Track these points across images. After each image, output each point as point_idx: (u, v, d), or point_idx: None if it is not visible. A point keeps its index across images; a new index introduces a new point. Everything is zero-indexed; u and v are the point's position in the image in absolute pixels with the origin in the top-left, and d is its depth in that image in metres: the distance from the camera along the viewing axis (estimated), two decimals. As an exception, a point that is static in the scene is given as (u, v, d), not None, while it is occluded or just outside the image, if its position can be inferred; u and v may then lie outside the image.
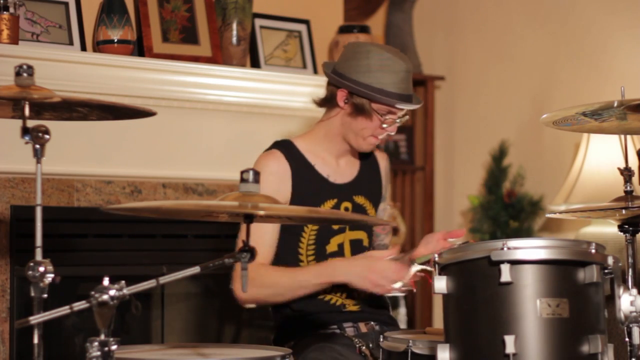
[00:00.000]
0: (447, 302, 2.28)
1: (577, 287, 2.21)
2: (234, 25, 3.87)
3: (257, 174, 2.07)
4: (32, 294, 2.07)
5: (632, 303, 2.29)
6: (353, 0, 5.02)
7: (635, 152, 2.63)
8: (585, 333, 2.18)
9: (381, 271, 2.74)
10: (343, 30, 4.28)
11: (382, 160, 3.13)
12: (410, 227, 5.10)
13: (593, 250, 2.24)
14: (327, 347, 2.76)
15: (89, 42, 3.62)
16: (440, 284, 2.26)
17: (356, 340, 2.82)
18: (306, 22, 4.17)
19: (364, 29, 4.31)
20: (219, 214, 2.12)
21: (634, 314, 2.28)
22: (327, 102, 2.96)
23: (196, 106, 3.79)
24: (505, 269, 2.16)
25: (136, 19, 3.72)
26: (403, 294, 2.78)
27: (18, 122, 2.13)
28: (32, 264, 2.07)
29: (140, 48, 3.70)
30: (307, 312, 2.88)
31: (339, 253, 2.94)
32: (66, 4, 3.55)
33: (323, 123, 3.00)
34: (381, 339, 2.63)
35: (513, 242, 2.19)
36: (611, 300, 2.29)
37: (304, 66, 4.12)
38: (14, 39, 3.32)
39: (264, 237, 2.84)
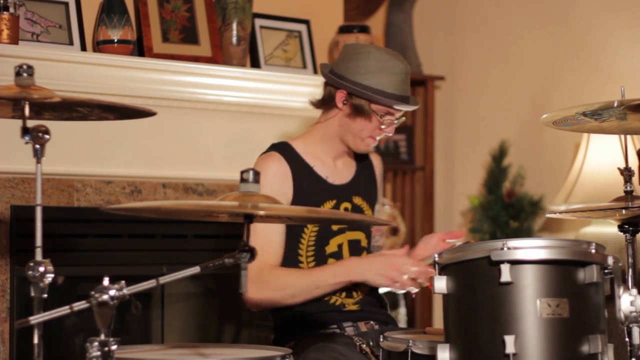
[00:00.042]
0: (447, 302, 2.28)
1: (577, 287, 2.21)
2: (234, 25, 3.87)
3: (257, 174, 2.08)
4: (32, 294, 2.07)
5: (632, 303, 2.29)
6: (353, 0, 5.02)
7: (635, 152, 2.63)
8: (585, 333, 2.18)
9: (399, 267, 2.75)
10: (343, 30, 4.28)
11: (376, 162, 3.15)
12: (410, 227, 5.10)
13: (593, 250, 2.24)
14: (327, 347, 2.76)
15: (89, 42, 3.62)
16: (440, 284, 2.26)
17: (356, 338, 2.82)
18: (306, 22, 4.17)
19: (364, 29, 4.31)
20: (219, 214, 2.12)
21: (634, 314, 2.28)
22: (325, 103, 2.97)
23: (196, 106, 3.79)
24: (505, 269, 2.16)
25: (136, 19, 3.72)
26: (417, 290, 2.79)
27: (18, 122, 2.13)
28: (32, 264, 2.07)
29: (140, 48, 3.70)
30: (306, 312, 2.88)
31: (338, 254, 2.95)
32: (66, 4, 3.55)
33: (320, 125, 3.00)
34: (381, 339, 2.64)
35: (513, 242, 2.19)
36: (611, 300, 2.29)
37: (304, 66, 4.12)
38: (14, 39, 3.32)
39: (273, 238, 2.85)
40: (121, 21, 3.57)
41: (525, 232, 4.70)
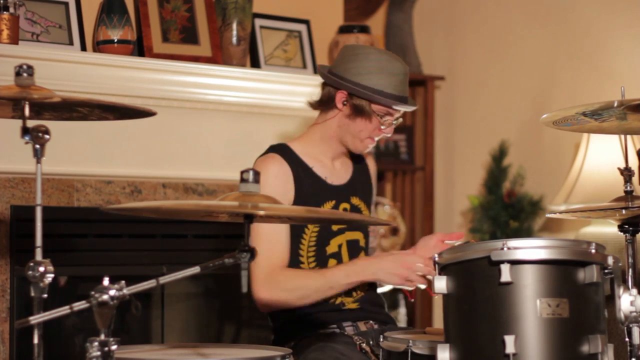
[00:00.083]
0: (447, 302, 2.28)
1: (577, 287, 2.21)
2: (234, 25, 3.87)
3: (257, 174, 2.08)
4: (32, 294, 2.07)
5: (632, 303, 2.28)
6: (353, 0, 5.02)
7: (635, 152, 2.63)
8: (585, 333, 2.18)
9: (411, 265, 2.77)
10: (343, 30, 4.28)
11: (371, 164, 3.17)
12: (410, 227, 5.10)
13: (593, 250, 2.24)
14: (327, 346, 2.76)
15: (89, 42, 3.62)
16: (440, 284, 2.26)
17: (356, 337, 2.83)
18: (306, 22, 4.17)
19: (364, 29, 4.31)
20: (219, 214, 2.12)
21: (634, 314, 2.28)
22: (323, 104, 2.97)
23: (196, 106, 3.79)
24: (505, 269, 2.16)
25: (136, 19, 3.72)
26: (424, 286, 2.80)
27: (18, 122, 2.13)
28: (32, 264, 2.07)
29: (140, 48, 3.70)
30: (306, 312, 2.88)
31: (338, 254, 2.95)
32: (66, 4, 3.55)
33: (318, 126, 3.00)
34: (381, 339, 2.64)
35: (513, 242, 2.19)
36: (611, 300, 2.29)
37: (304, 66, 4.12)
38: (14, 39, 3.32)
39: (279, 239, 2.85)
40: (121, 21, 3.57)
41: (525, 232, 4.70)
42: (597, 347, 2.17)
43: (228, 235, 3.65)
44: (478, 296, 2.22)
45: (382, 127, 2.91)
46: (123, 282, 1.94)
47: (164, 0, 3.77)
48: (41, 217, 2.12)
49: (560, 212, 2.90)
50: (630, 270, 2.45)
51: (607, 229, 4.22)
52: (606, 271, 2.25)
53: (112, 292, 1.92)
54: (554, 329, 2.16)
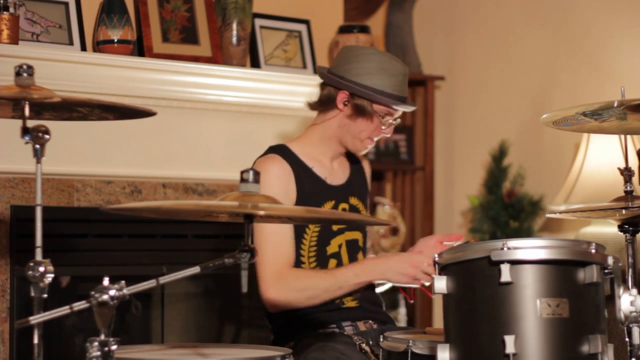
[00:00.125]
0: (447, 302, 2.28)
1: (577, 287, 2.21)
2: (234, 25, 3.87)
3: (257, 174, 2.08)
4: (32, 294, 2.07)
5: (632, 303, 2.28)
6: (353, 0, 5.02)
7: (635, 152, 2.63)
8: (585, 333, 2.18)
9: (419, 264, 2.79)
10: (343, 30, 4.28)
11: (366, 166, 3.19)
12: (410, 227, 5.10)
13: (593, 250, 2.24)
14: (327, 346, 2.76)
15: (89, 42, 3.62)
16: (440, 284, 2.26)
17: (356, 337, 2.83)
18: (306, 22, 4.17)
19: (364, 29, 4.31)
20: (219, 214, 2.12)
21: (634, 314, 2.28)
22: (323, 104, 2.97)
23: (196, 106, 3.79)
24: (505, 269, 2.16)
25: (136, 19, 3.72)
26: (429, 283, 2.81)
27: (18, 122, 2.13)
28: (32, 264, 2.07)
29: (140, 48, 3.70)
30: (306, 311, 2.88)
31: (338, 254, 2.96)
32: (66, 4, 3.55)
33: (317, 126, 3.00)
34: (381, 339, 2.64)
35: (513, 242, 2.19)
36: (611, 300, 2.29)
37: (304, 66, 4.12)
38: (14, 39, 3.32)
39: (284, 239, 2.86)
40: (121, 21, 3.57)
41: (525, 232, 4.70)
42: (597, 347, 2.17)
43: (228, 235, 3.65)
44: (478, 296, 2.22)
45: (383, 128, 2.93)
46: (123, 282, 1.94)
47: (164, 0, 3.77)
48: (41, 217, 2.12)
49: (560, 212, 2.90)
50: (630, 270, 2.45)
51: (607, 229, 4.22)
52: (606, 271, 2.25)
53: (112, 292, 1.92)
54: (554, 329, 2.16)
